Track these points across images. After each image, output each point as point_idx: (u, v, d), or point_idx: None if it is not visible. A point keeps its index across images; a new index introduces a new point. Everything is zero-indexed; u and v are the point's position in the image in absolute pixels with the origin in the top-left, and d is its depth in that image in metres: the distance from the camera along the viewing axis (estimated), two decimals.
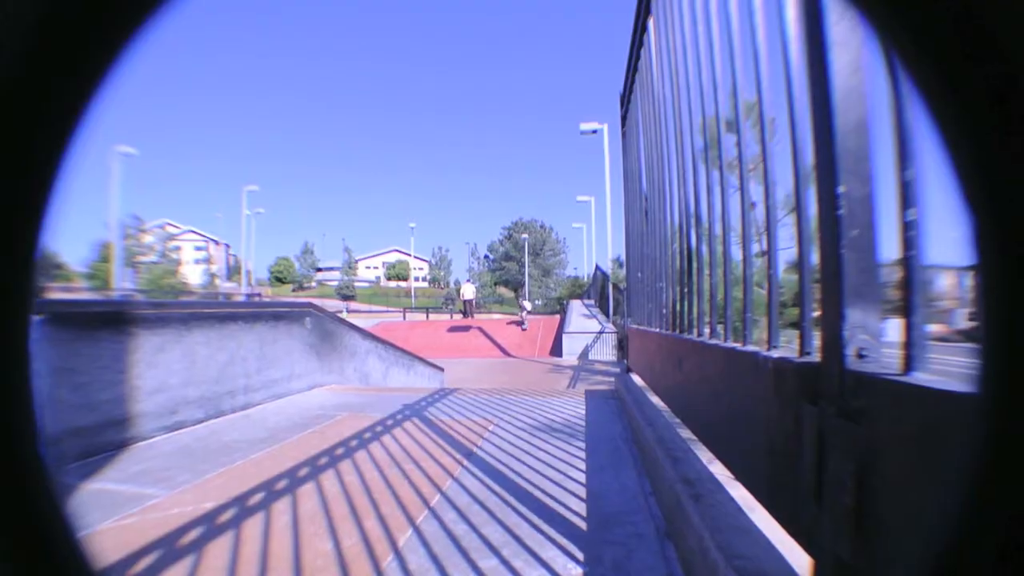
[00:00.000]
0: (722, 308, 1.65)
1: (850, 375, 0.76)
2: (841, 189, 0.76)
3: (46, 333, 2.44)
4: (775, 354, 1.13)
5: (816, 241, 0.86)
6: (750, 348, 1.34)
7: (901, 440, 0.64)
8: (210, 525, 1.76)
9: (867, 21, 0.26)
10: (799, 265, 0.99)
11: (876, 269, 0.78)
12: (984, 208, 0.24)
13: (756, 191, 1.47)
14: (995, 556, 0.22)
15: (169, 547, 1.61)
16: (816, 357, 0.93)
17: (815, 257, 0.93)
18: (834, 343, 0.79)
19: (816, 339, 0.97)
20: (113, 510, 1.90)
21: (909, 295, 0.67)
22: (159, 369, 3.08)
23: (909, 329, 0.67)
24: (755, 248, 1.50)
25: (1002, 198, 0.23)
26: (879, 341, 0.79)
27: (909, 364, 0.67)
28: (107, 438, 2.69)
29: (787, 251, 1.47)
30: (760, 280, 1.51)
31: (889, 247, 0.77)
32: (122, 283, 32.43)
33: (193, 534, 1.69)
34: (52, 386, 2.46)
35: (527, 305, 19.72)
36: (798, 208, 0.98)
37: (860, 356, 0.77)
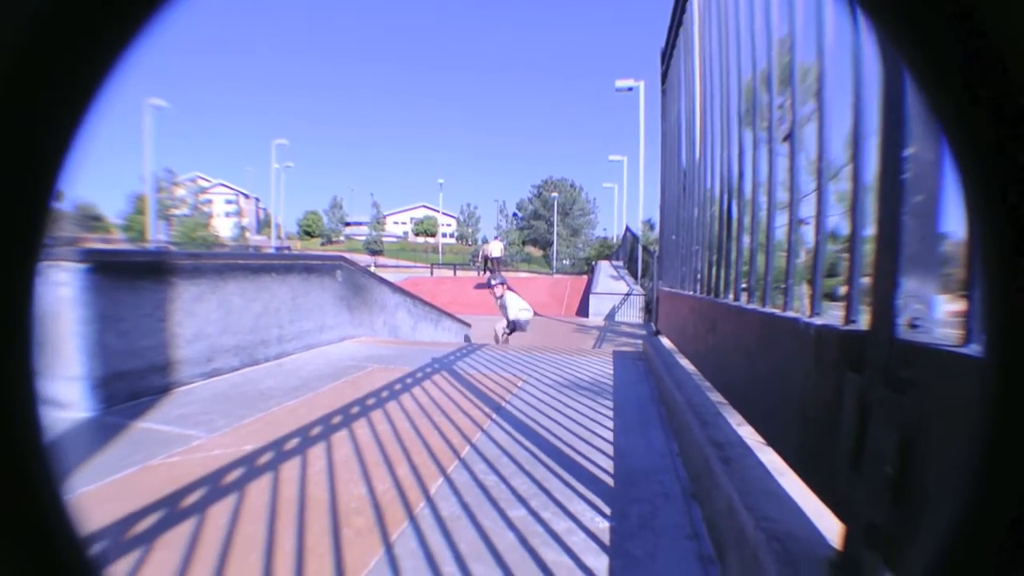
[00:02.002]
0: (761, 273, 1.62)
1: (901, 344, 0.75)
2: (909, 151, 0.72)
3: (92, 281, 2.53)
4: (818, 321, 1.11)
5: (873, 206, 0.82)
6: (790, 314, 1.32)
7: (954, 411, 0.63)
8: (250, 466, 1.84)
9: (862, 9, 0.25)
10: (852, 229, 0.96)
11: (937, 239, 0.75)
12: (983, 204, 0.24)
13: (800, 156, 1.42)
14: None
15: (214, 484, 1.70)
16: (863, 325, 0.91)
17: (868, 224, 0.90)
18: (885, 311, 0.77)
19: (862, 308, 0.95)
20: (161, 448, 2.01)
21: (972, 267, 0.64)
22: (197, 318, 3.17)
23: (971, 302, 0.65)
24: (798, 215, 1.45)
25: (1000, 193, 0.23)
26: (932, 312, 0.77)
27: (968, 336, 0.65)
28: (151, 382, 2.81)
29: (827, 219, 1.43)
30: (799, 248, 1.47)
31: (952, 216, 0.74)
32: (157, 235, 33.22)
33: (235, 474, 1.78)
34: (99, 332, 2.56)
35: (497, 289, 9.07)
36: (855, 169, 0.95)
37: (912, 326, 0.75)
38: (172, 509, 1.54)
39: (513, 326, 8.36)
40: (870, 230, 0.86)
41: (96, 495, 1.64)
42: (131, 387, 2.70)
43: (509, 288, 8.72)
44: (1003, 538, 0.23)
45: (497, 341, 7.94)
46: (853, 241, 0.97)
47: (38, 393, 0.23)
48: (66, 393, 2.49)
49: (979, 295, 0.25)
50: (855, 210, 0.95)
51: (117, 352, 2.64)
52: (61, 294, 2.49)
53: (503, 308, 8.44)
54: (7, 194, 0.21)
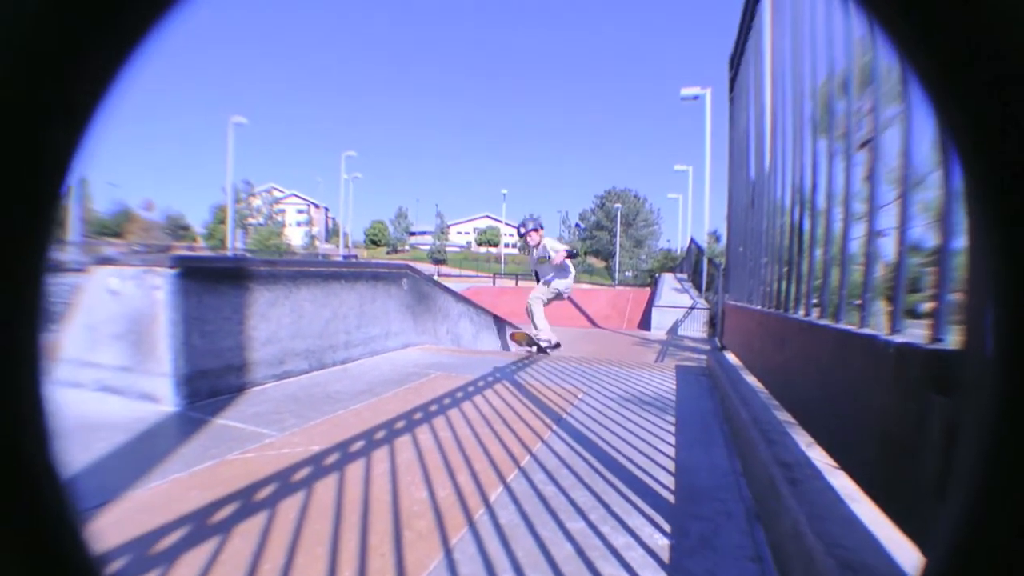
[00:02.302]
0: (835, 288, 1.55)
1: None
2: None
3: (181, 285, 2.73)
4: (898, 339, 1.05)
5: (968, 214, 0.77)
6: (867, 331, 1.25)
7: None
8: (317, 466, 1.91)
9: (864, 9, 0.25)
10: (941, 241, 0.90)
11: None
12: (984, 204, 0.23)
13: (881, 163, 1.36)
14: None
15: (284, 481, 1.77)
16: (950, 344, 0.86)
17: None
18: (979, 330, 0.72)
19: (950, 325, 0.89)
20: (238, 444, 2.12)
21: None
22: (271, 322, 3.33)
23: None
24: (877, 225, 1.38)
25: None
26: None
27: None
28: (229, 381, 2.97)
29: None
30: (875, 262, 1.40)
31: None
32: (235, 243, 35.15)
33: (303, 472, 1.85)
34: (186, 332, 2.74)
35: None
36: (945, 174, 0.89)
37: None
38: (247, 501, 1.62)
39: (556, 294, 5.89)
40: (961, 242, 0.81)
41: (182, 482, 1.75)
42: (212, 385, 2.86)
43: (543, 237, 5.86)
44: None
45: (533, 323, 5.85)
46: (942, 254, 0.91)
47: (44, 394, 0.23)
48: (156, 388, 2.68)
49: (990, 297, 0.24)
50: (944, 220, 0.90)
51: (201, 352, 2.82)
52: (156, 297, 2.70)
53: (543, 265, 5.87)
54: (12, 194, 0.21)
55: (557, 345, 5.93)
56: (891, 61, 1.21)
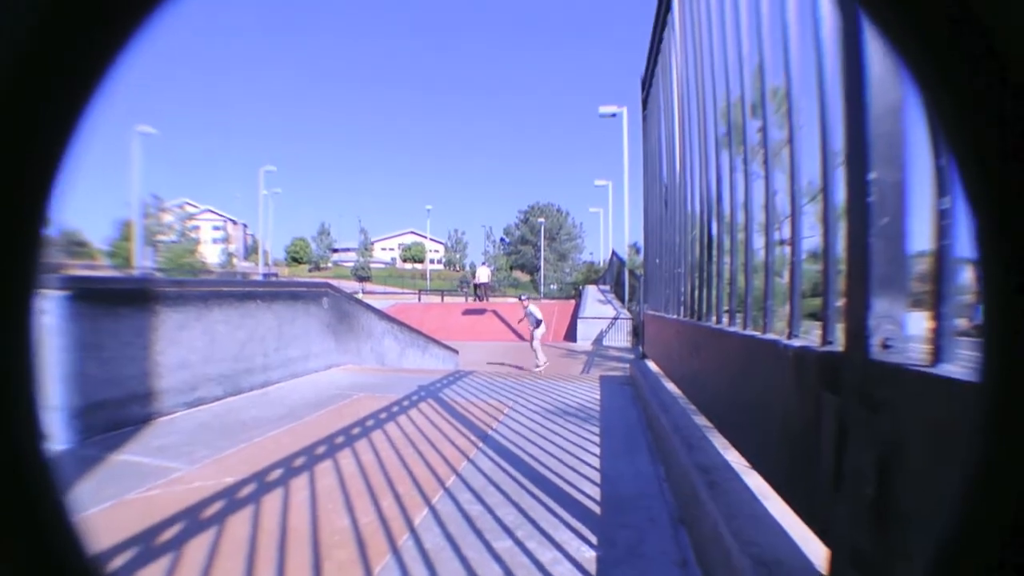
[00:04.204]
0: (742, 296, 1.63)
1: (874, 365, 0.75)
2: (872, 175, 0.74)
3: (72, 309, 2.49)
4: (796, 343, 1.11)
5: (843, 229, 0.84)
6: (770, 336, 1.33)
7: (927, 431, 0.63)
8: (231, 499, 1.80)
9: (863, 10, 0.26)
10: (824, 253, 0.97)
11: (905, 259, 0.76)
12: (984, 206, 0.24)
13: (779, 178, 1.45)
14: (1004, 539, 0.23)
15: (193, 518, 1.65)
16: (839, 347, 0.92)
17: (840, 246, 0.92)
18: (858, 333, 0.78)
19: (838, 329, 0.96)
20: (139, 481, 1.96)
21: (940, 286, 0.65)
22: (180, 346, 3.13)
23: (939, 320, 0.66)
24: (776, 236, 1.47)
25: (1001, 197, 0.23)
26: (904, 332, 0.77)
27: (937, 355, 0.66)
28: (131, 412, 2.75)
29: (808, 240, 1.45)
30: (780, 269, 1.49)
31: (918, 237, 0.76)
32: (143, 262, 32.88)
33: (215, 507, 1.73)
34: (79, 360, 2.51)
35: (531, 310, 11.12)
36: (825, 194, 0.96)
37: (885, 347, 0.76)
38: (146, 546, 1.49)
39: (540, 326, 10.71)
40: (839, 249, 0.87)
41: None
42: (110, 417, 2.64)
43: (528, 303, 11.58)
44: (992, 560, 0.23)
45: (537, 359, 10.00)
46: (826, 263, 0.98)
47: (39, 403, 0.24)
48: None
49: (980, 311, 0.25)
50: (827, 232, 0.97)
51: (97, 381, 2.59)
52: (40, 322, 2.44)
53: (531, 316, 10.82)
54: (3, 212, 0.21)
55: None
56: (778, 87, 1.30)
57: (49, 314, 2.44)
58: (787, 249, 1.47)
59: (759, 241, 1.61)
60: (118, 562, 1.40)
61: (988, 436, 0.24)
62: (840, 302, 0.92)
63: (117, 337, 2.73)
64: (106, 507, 1.75)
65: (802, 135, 1.15)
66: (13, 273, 0.23)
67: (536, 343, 10.48)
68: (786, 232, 1.43)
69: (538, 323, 10.68)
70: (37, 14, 0.20)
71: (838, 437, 0.82)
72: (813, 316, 1.28)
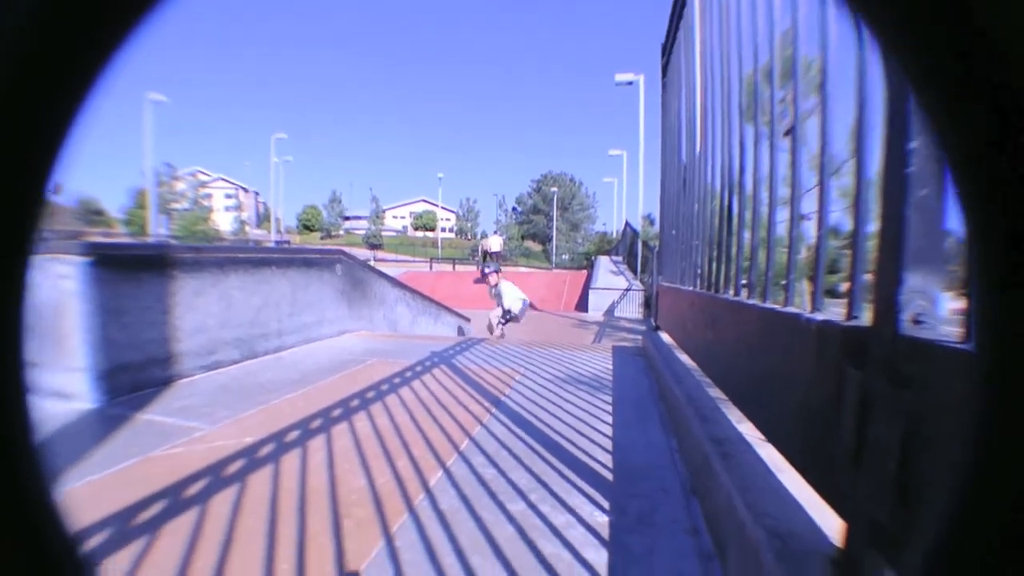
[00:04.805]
0: (762, 269, 1.62)
1: (904, 341, 0.74)
2: (914, 144, 0.72)
3: (95, 274, 2.54)
4: (819, 316, 1.10)
5: (878, 200, 0.82)
6: (791, 310, 1.31)
7: (955, 409, 0.63)
8: (251, 458, 1.84)
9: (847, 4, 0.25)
10: (855, 225, 0.95)
11: (941, 234, 0.74)
12: (976, 205, 0.24)
13: (802, 151, 1.42)
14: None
15: (215, 475, 1.70)
16: (865, 321, 0.91)
17: (870, 218, 0.90)
18: (888, 307, 0.77)
19: (865, 303, 0.95)
20: (163, 440, 2.01)
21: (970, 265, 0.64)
22: (198, 311, 3.17)
23: (971, 298, 0.64)
24: (800, 209, 1.44)
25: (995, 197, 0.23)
26: (936, 309, 0.76)
27: (969, 333, 0.65)
28: (152, 375, 2.81)
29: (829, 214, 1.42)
30: (799, 244, 1.46)
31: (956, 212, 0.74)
32: (157, 229, 33.13)
33: (236, 465, 1.78)
34: (102, 325, 2.56)
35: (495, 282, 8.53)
36: (858, 163, 0.94)
37: (916, 322, 0.75)
38: (175, 499, 1.54)
39: (508, 315, 8.12)
40: (873, 226, 0.86)
41: (99, 485, 1.64)
42: (134, 379, 2.70)
43: (503, 277, 8.58)
44: (998, 536, 0.23)
45: (491, 333, 7.78)
46: (856, 237, 0.96)
47: (28, 388, 0.23)
48: (70, 384, 2.49)
49: (974, 293, 0.25)
50: (858, 206, 0.95)
51: (120, 344, 2.64)
52: (64, 287, 2.49)
53: (498, 297, 8.26)
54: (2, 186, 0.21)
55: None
56: (810, 55, 1.26)
57: (71, 279, 2.48)
58: (807, 224, 1.45)
59: (781, 214, 1.59)
60: (146, 515, 1.45)
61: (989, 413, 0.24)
62: (868, 277, 0.91)
63: (138, 302, 2.77)
64: (133, 463, 1.80)
65: (834, 104, 1.12)
66: (8, 251, 0.22)
67: (495, 314, 8.11)
68: (806, 206, 1.41)
69: (506, 310, 8.09)
70: None
71: (861, 411, 0.82)
72: (828, 293, 1.27)
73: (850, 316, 0.98)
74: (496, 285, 8.38)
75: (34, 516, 0.23)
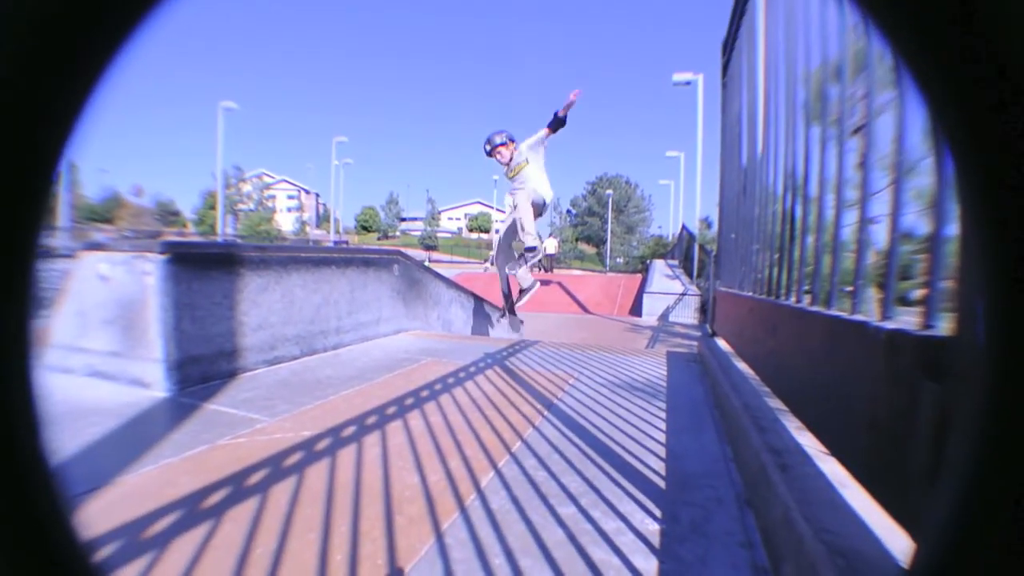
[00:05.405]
0: (826, 275, 1.55)
1: None
2: None
3: (171, 271, 2.71)
4: (889, 325, 1.05)
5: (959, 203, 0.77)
6: (858, 318, 1.25)
7: None
8: (309, 451, 1.90)
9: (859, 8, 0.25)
10: (935, 227, 0.90)
11: None
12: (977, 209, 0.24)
13: (873, 149, 1.35)
14: None
15: (275, 466, 1.77)
16: (942, 331, 0.86)
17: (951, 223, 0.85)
18: (972, 317, 0.72)
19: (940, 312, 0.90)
20: (229, 429, 2.11)
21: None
22: (262, 308, 3.31)
23: None
24: (869, 212, 1.38)
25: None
26: None
27: None
28: (219, 367, 2.96)
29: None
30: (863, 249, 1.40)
31: None
32: (225, 229, 34.82)
33: (295, 457, 1.84)
34: (176, 318, 2.72)
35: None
36: (938, 164, 0.89)
37: None
38: (239, 486, 1.61)
39: (534, 254, 5.41)
40: (953, 230, 0.81)
41: (173, 467, 1.74)
42: (203, 371, 2.84)
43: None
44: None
45: (509, 296, 5.76)
46: (934, 242, 0.91)
47: (37, 389, 0.23)
48: (148, 374, 2.66)
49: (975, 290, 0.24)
50: (938, 207, 0.89)
51: (191, 337, 2.80)
52: (146, 282, 2.67)
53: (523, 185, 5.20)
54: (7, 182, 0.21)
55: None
56: (884, 48, 1.20)
57: (152, 275, 2.66)
58: (874, 228, 1.38)
59: (845, 218, 1.52)
60: (213, 499, 1.52)
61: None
62: (946, 284, 0.86)
63: (208, 298, 2.92)
64: (203, 449, 1.90)
65: (912, 97, 1.06)
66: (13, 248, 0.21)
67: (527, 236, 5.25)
68: (874, 210, 1.34)
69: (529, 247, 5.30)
70: None
71: (939, 427, 0.77)
72: (899, 301, 1.20)
73: (925, 325, 0.93)
74: (510, 161, 5.21)
75: (44, 525, 0.23)
